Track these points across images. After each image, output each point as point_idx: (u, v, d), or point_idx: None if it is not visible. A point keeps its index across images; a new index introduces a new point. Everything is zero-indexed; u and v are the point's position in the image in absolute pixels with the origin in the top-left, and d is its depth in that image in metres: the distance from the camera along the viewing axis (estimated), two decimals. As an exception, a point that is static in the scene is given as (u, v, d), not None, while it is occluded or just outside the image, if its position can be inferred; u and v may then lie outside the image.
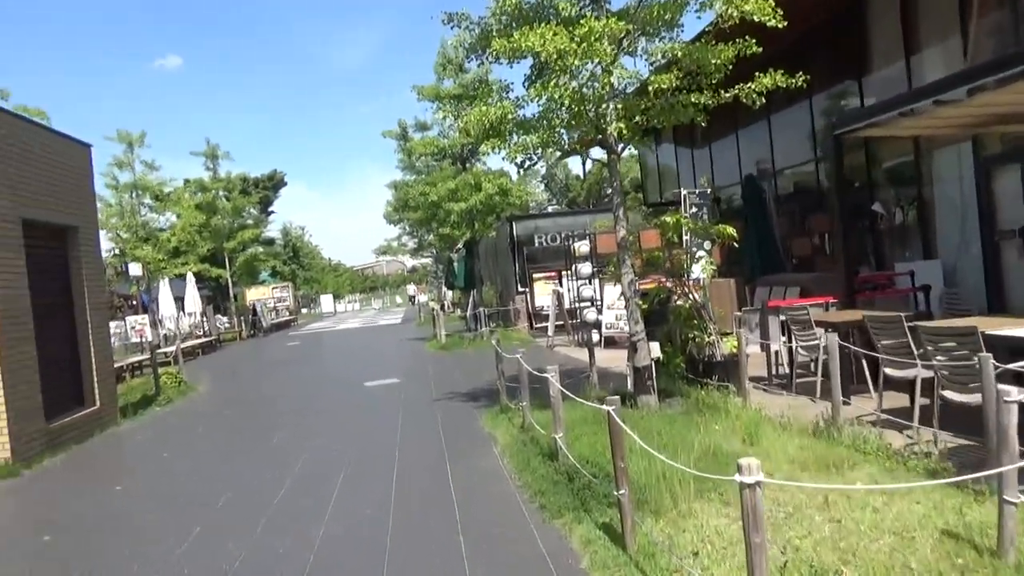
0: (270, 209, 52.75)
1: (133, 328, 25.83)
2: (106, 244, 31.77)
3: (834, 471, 5.51)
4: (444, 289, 40.79)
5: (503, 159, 8.15)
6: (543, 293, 21.42)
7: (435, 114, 8.50)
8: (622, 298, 15.66)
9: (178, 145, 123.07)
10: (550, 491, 5.72)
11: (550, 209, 45.67)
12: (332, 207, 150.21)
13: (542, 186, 49.05)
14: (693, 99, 7.67)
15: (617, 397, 4.45)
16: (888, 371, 6.83)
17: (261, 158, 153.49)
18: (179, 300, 29.80)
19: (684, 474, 5.34)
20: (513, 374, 9.68)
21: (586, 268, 16.96)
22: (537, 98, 7.45)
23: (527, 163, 8.64)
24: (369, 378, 14.65)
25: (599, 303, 16.63)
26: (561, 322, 18.20)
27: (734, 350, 8.96)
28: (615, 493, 4.40)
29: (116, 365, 18.57)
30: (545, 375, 6.36)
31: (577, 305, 17.23)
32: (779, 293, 13.14)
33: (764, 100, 7.80)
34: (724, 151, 19.70)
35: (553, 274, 21.58)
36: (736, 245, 9.25)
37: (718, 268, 11.46)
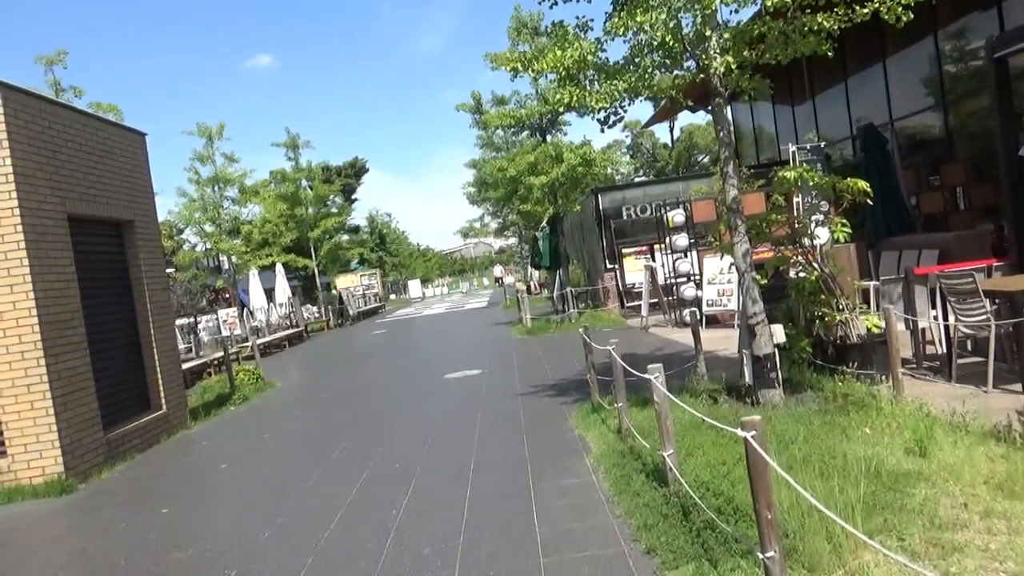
0: (353, 197, 52.81)
1: (224, 322, 25.81)
2: (192, 239, 32.12)
3: (1057, 500, 4.01)
4: (530, 269, 39.69)
5: (586, 113, 6.83)
6: (634, 269, 19.94)
7: (509, 73, 7.14)
8: (724, 272, 14.17)
9: (261, 140, 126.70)
10: (659, 527, 4.42)
11: (635, 180, 43.73)
12: (419, 193, 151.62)
13: (627, 156, 47.07)
14: (820, 20, 6.11)
15: (758, 419, 3.09)
16: (1105, 355, 5.19)
17: (344, 148, 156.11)
18: (269, 291, 29.82)
19: (845, 509, 3.96)
20: (604, 363, 8.41)
21: (682, 240, 15.42)
22: (623, 31, 6.06)
23: (611, 118, 7.25)
24: (450, 369, 13.63)
25: (698, 277, 15.07)
26: (655, 300, 16.66)
27: (876, 329, 7.39)
28: (760, 556, 3.07)
29: (200, 362, 18.40)
30: (646, 376, 5.02)
31: (673, 281, 15.71)
32: (911, 258, 11.32)
33: (911, 16, 6.20)
34: (830, 104, 17.68)
35: (644, 248, 20.11)
36: (871, 202, 7.60)
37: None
